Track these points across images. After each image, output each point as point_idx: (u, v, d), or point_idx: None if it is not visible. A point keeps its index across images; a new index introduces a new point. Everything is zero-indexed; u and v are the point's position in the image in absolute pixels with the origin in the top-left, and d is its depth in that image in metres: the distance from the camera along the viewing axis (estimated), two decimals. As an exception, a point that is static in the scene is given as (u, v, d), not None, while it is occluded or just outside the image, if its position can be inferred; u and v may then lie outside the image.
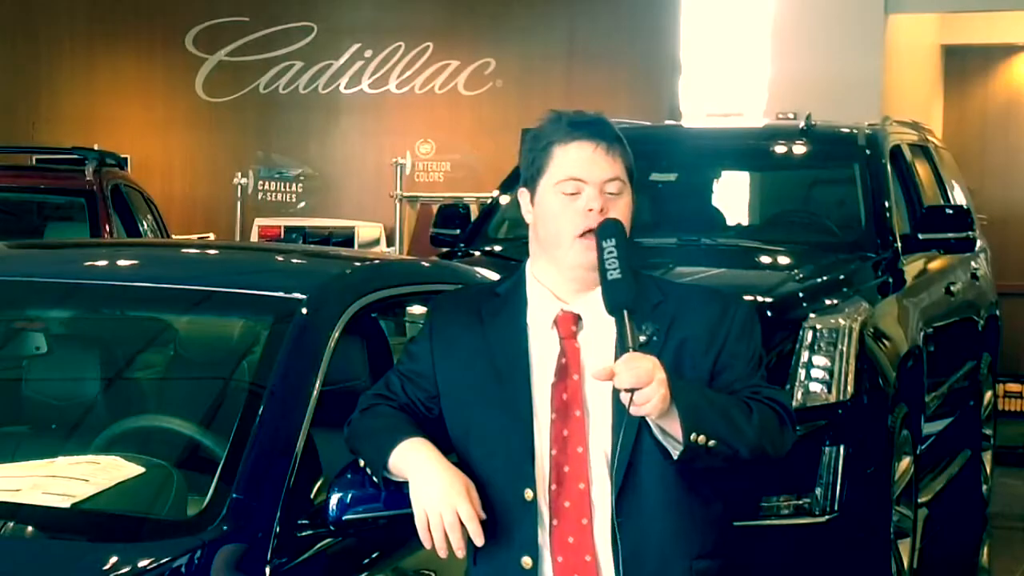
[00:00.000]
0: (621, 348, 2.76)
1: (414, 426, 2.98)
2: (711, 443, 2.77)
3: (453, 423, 3.01)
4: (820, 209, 7.60)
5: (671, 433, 2.78)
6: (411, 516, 3.20)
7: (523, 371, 2.93)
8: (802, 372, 5.89)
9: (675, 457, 2.80)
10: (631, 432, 2.83)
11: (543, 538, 2.91)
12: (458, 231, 7.59)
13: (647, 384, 2.70)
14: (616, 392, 2.77)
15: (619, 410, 2.82)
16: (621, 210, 2.91)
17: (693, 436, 2.75)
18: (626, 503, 2.84)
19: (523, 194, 3.02)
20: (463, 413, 2.99)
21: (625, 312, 2.78)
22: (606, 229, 2.85)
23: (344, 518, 3.16)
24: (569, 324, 2.92)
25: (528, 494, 2.89)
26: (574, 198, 2.91)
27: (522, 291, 3.00)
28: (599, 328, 2.88)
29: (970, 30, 12.88)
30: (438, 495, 2.83)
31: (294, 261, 4.56)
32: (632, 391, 2.70)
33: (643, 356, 2.73)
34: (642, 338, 2.78)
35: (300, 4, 14.55)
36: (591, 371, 2.82)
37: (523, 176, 3.03)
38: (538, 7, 13.97)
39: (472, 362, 2.97)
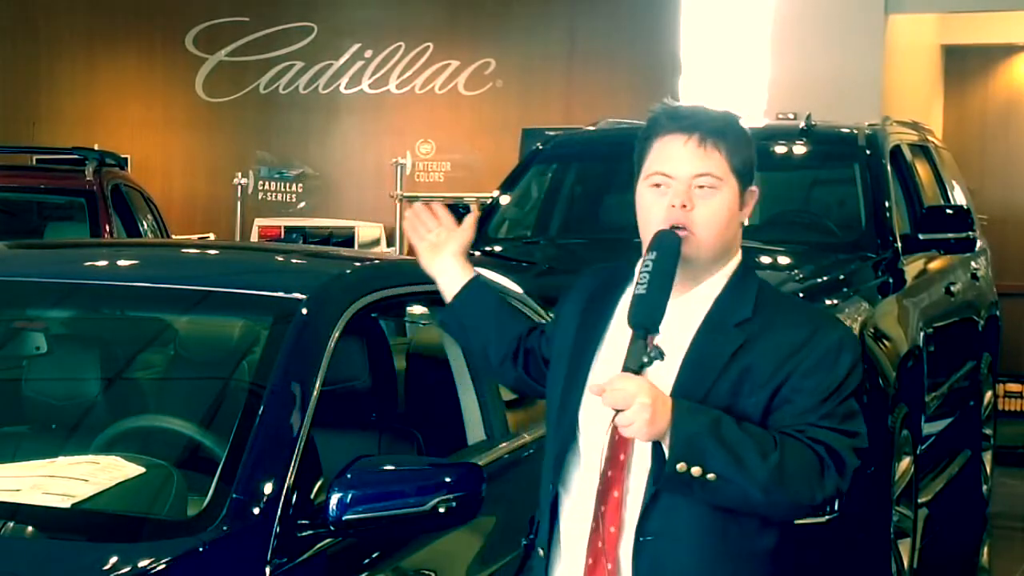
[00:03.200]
0: (624, 364, 2.68)
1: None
2: (709, 476, 2.65)
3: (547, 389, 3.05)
4: (820, 209, 7.60)
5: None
6: (411, 516, 3.21)
7: (585, 367, 2.88)
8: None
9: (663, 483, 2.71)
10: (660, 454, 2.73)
11: (567, 534, 2.88)
12: (458, 231, 7.57)
13: (626, 407, 2.63)
14: None
15: None
16: (712, 208, 2.80)
17: (682, 466, 2.64)
18: (653, 522, 2.76)
19: (637, 189, 2.93)
20: (549, 388, 3.01)
21: (642, 332, 2.68)
22: (656, 242, 2.76)
23: (344, 518, 3.16)
24: None
25: (551, 488, 2.89)
26: (662, 192, 2.82)
27: (626, 285, 2.90)
28: (674, 335, 2.77)
29: (970, 30, 12.88)
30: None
31: (294, 261, 4.56)
32: (617, 412, 2.65)
33: (631, 378, 2.64)
34: (645, 359, 2.66)
35: (300, 4, 14.56)
36: (588, 384, 2.79)
37: (634, 172, 2.95)
38: (538, 7, 13.98)
39: (564, 346, 2.95)
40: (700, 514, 2.75)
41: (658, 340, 2.72)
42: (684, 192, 2.80)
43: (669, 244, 2.75)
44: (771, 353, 2.76)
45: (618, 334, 2.85)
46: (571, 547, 2.88)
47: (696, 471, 2.65)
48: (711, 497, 2.70)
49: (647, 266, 2.73)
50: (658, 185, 2.83)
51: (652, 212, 2.83)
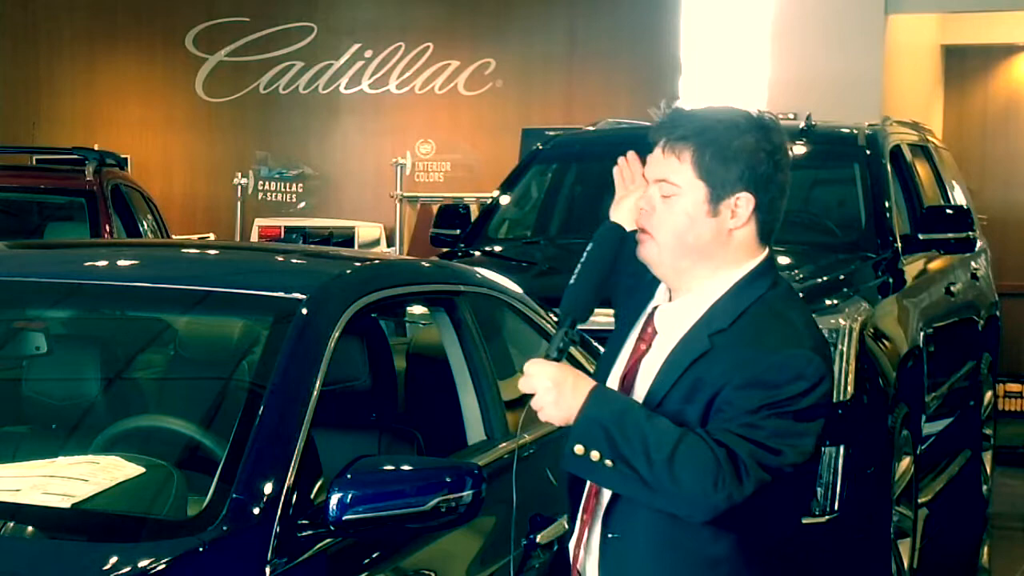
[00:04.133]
0: (544, 351, 2.80)
1: None
2: (607, 462, 2.67)
3: None
4: (820, 209, 7.60)
5: None
6: (411, 516, 3.22)
7: (612, 358, 2.96)
8: (802, 372, 5.88)
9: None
10: None
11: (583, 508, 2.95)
12: (458, 231, 7.59)
13: (534, 392, 2.74)
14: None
15: None
16: (668, 215, 2.80)
17: (577, 448, 2.69)
18: (616, 521, 2.84)
19: None
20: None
21: (566, 319, 2.81)
22: (595, 234, 2.89)
23: (344, 518, 3.17)
24: (648, 326, 2.91)
25: (572, 479, 2.98)
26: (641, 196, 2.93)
27: (654, 288, 2.98)
28: (669, 337, 2.81)
29: (970, 30, 12.89)
30: None
31: (294, 261, 4.56)
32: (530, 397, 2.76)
33: (540, 364, 2.74)
34: (560, 344, 2.78)
35: (300, 4, 14.56)
36: (644, 379, 2.84)
37: None
38: (538, 7, 13.98)
39: (614, 329, 3.02)
40: (653, 517, 2.77)
41: (657, 339, 2.82)
42: (648, 196, 2.85)
43: (606, 235, 2.88)
44: (721, 366, 2.73)
45: (637, 330, 2.93)
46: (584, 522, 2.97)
47: (595, 455, 2.69)
48: (611, 485, 2.77)
49: (582, 257, 2.86)
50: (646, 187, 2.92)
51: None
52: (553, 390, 2.72)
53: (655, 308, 2.90)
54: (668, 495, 2.67)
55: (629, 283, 3.04)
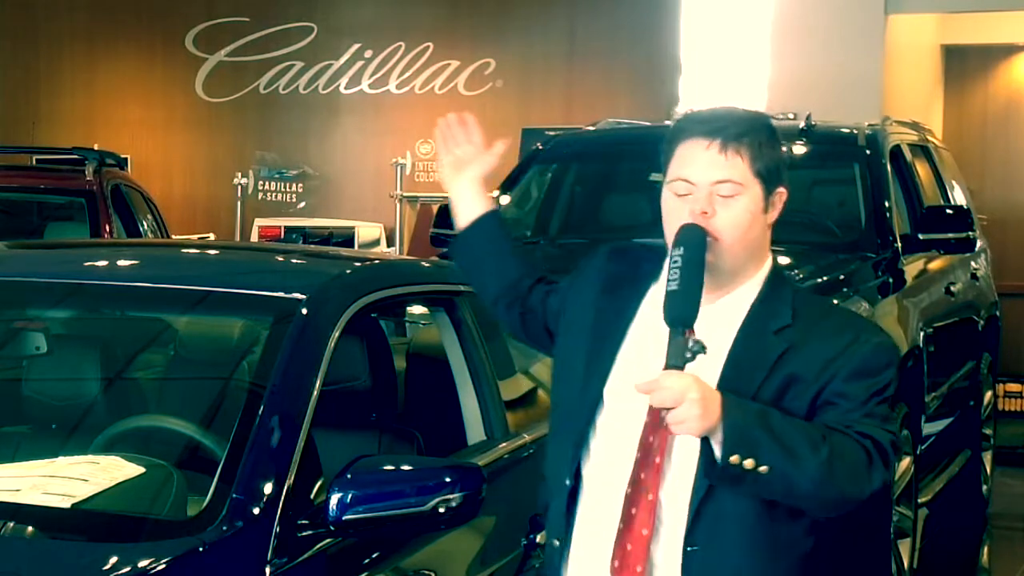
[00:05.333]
0: (666, 362, 2.64)
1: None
2: (761, 469, 2.62)
3: (552, 368, 3.05)
4: (820, 209, 7.60)
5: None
6: (411, 516, 3.21)
7: (607, 362, 2.87)
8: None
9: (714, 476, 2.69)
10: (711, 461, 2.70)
11: (583, 529, 2.88)
12: (458, 231, 7.58)
13: (677, 405, 2.60)
14: None
15: None
16: (734, 213, 2.78)
17: (735, 459, 2.62)
18: (701, 531, 2.75)
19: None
20: (557, 368, 3.01)
21: (680, 327, 2.65)
22: (680, 237, 2.74)
23: (344, 518, 3.17)
24: None
25: (566, 482, 2.87)
26: (684, 199, 2.80)
27: (652, 280, 2.91)
28: (709, 342, 2.71)
29: (970, 30, 12.88)
30: None
31: (294, 261, 4.56)
32: (668, 411, 2.62)
33: (677, 375, 2.61)
34: (688, 355, 2.63)
35: (300, 4, 14.55)
36: (636, 383, 2.71)
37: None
38: (538, 7, 13.98)
39: (580, 328, 2.94)
40: (749, 520, 2.75)
41: (697, 335, 2.71)
42: (705, 199, 2.79)
43: (695, 237, 2.74)
44: (814, 359, 2.77)
45: (645, 330, 2.85)
46: (587, 543, 2.87)
47: (749, 463, 2.63)
48: (761, 491, 2.69)
49: (675, 262, 2.71)
50: (683, 193, 2.82)
51: (674, 218, 2.82)
52: (701, 402, 2.59)
53: None
54: (827, 491, 2.69)
55: (575, 300, 2.98)
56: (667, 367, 2.64)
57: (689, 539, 2.76)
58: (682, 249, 2.72)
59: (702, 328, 2.70)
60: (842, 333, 2.81)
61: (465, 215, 3.18)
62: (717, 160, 2.79)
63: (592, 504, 2.88)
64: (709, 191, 2.79)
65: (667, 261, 2.75)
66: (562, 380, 2.99)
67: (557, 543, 2.91)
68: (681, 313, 2.67)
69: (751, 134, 2.82)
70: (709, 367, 2.73)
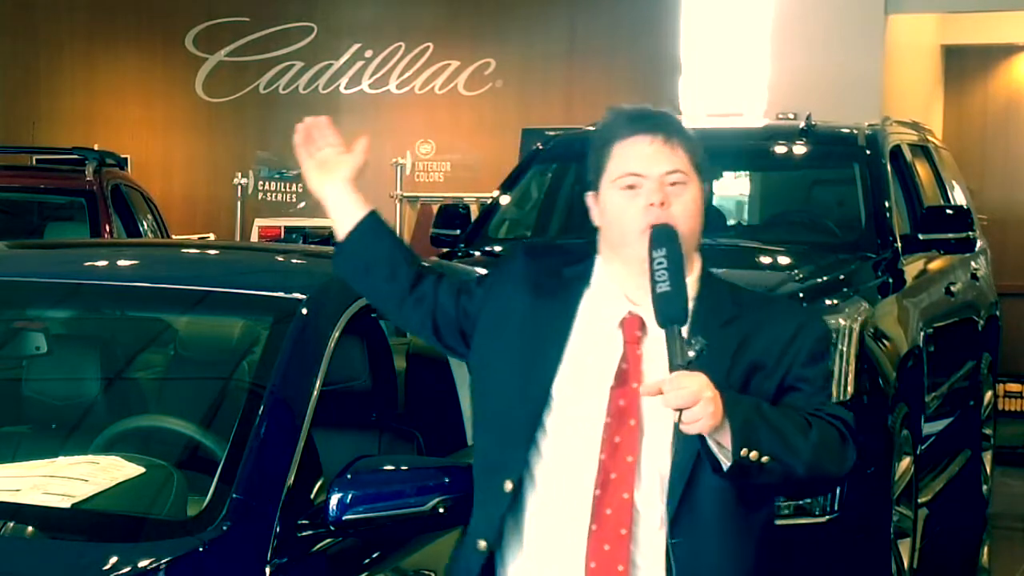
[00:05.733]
0: (670, 364, 2.66)
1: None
2: (764, 459, 2.68)
3: (473, 370, 3.01)
4: (820, 209, 7.60)
5: (725, 446, 2.71)
6: (411, 516, 3.21)
7: (551, 365, 2.86)
8: (802, 372, 5.87)
9: (724, 470, 2.72)
10: (691, 451, 2.75)
11: (517, 528, 2.88)
12: (458, 231, 7.59)
13: (694, 404, 2.62)
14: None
15: (680, 427, 2.73)
16: (685, 203, 2.85)
17: (744, 452, 2.66)
18: (681, 524, 2.78)
19: (589, 197, 2.95)
20: (484, 370, 2.97)
21: (675, 328, 2.68)
22: (658, 238, 2.76)
23: (344, 518, 3.17)
24: (634, 329, 2.85)
25: (508, 485, 2.85)
26: (635, 193, 2.84)
27: (584, 283, 2.93)
28: (658, 339, 2.76)
29: (970, 30, 12.88)
30: None
31: (294, 261, 4.56)
32: (680, 411, 2.63)
33: (690, 375, 2.63)
34: (691, 353, 2.65)
35: (300, 4, 14.56)
36: (642, 386, 2.75)
37: (588, 179, 2.95)
38: (538, 7, 13.98)
39: (510, 331, 2.92)
40: (724, 506, 2.81)
41: (647, 341, 2.80)
42: (658, 190, 2.83)
43: (671, 236, 2.77)
44: (772, 346, 2.84)
45: (588, 334, 2.87)
46: (542, 547, 2.87)
47: (753, 455, 2.68)
48: (762, 480, 2.74)
49: (660, 263, 2.72)
50: (631, 187, 2.85)
51: (627, 213, 2.84)
52: (714, 400, 2.62)
53: (630, 315, 2.85)
54: (815, 472, 2.78)
55: (493, 300, 2.97)
56: (673, 368, 2.65)
57: (672, 532, 2.78)
58: (664, 250, 2.74)
59: (654, 323, 2.75)
60: (789, 319, 2.90)
61: (345, 221, 3.09)
62: (663, 152, 2.85)
63: (545, 507, 2.87)
64: (661, 183, 2.84)
65: (647, 264, 2.75)
66: (491, 383, 2.95)
67: (483, 545, 2.88)
68: (676, 313, 2.69)
69: (683, 130, 2.91)
70: (662, 363, 2.73)
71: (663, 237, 2.76)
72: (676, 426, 2.71)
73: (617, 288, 2.89)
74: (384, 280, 3.05)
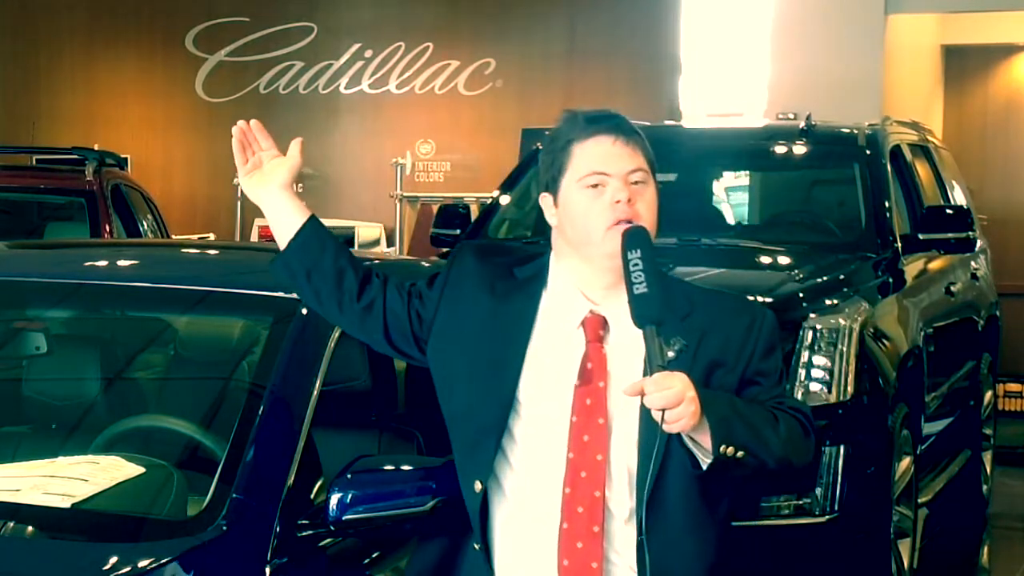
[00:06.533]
0: (649, 364, 2.69)
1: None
2: (739, 454, 2.75)
3: (434, 373, 3.02)
4: (820, 209, 7.60)
5: (701, 443, 2.75)
6: (411, 516, 3.21)
7: (515, 366, 2.89)
8: (802, 372, 5.88)
9: (703, 467, 2.77)
10: (660, 448, 2.78)
11: (508, 533, 2.91)
12: (458, 231, 7.59)
13: (678, 404, 2.66)
14: (644, 406, 2.73)
15: (647, 424, 2.77)
16: (648, 200, 2.89)
17: (723, 448, 2.73)
18: (651, 519, 2.81)
19: (545, 197, 2.98)
20: (445, 372, 2.98)
21: (653, 328, 2.70)
22: (632, 239, 2.78)
23: (344, 518, 3.16)
24: (597, 328, 2.88)
25: (477, 486, 2.89)
26: (599, 191, 2.87)
27: (541, 284, 2.96)
28: (627, 333, 2.81)
29: (970, 30, 12.88)
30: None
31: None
32: (663, 411, 2.67)
33: (672, 375, 2.67)
34: (671, 353, 2.69)
35: (300, 4, 14.55)
36: (621, 387, 2.77)
37: (543, 179, 2.98)
38: (538, 7, 13.98)
39: (471, 333, 2.94)
40: (689, 500, 2.84)
41: (610, 339, 2.83)
42: (623, 188, 2.86)
43: (644, 237, 2.80)
44: (730, 341, 2.89)
45: (548, 335, 2.89)
46: (514, 547, 2.90)
47: (730, 451, 2.74)
48: (736, 473, 2.81)
49: (636, 264, 2.75)
50: (595, 185, 2.87)
51: (592, 211, 2.87)
52: (696, 399, 2.69)
53: (591, 315, 2.88)
54: (784, 464, 2.85)
55: (448, 303, 2.98)
56: (654, 368, 2.68)
57: (642, 527, 2.81)
58: (639, 251, 2.77)
59: (616, 321, 2.83)
60: (742, 313, 2.95)
61: (286, 229, 3.03)
62: (625, 152, 2.90)
63: (516, 507, 2.90)
64: (624, 180, 2.87)
65: (617, 261, 2.78)
66: (455, 386, 2.97)
67: (477, 547, 2.94)
68: (654, 313, 2.72)
69: (638, 132, 2.95)
70: (633, 362, 2.79)
71: (636, 238, 2.79)
72: (644, 424, 2.77)
73: (574, 288, 2.92)
74: (329, 287, 3.03)
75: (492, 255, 3.03)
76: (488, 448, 2.90)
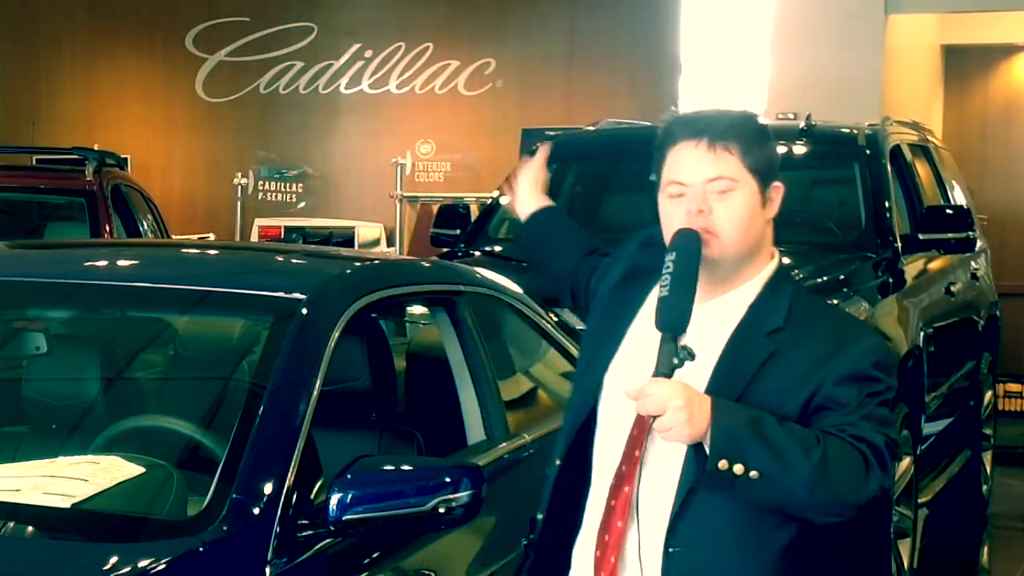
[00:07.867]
0: (655, 368, 2.66)
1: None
2: (752, 474, 2.62)
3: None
4: (820, 209, 7.59)
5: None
6: (411, 516, 3.22)
7: (608, 352, 2.91)
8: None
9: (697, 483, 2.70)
10: (688, 458, 2.72)
11: (591, 511, 2.89)
12: (458, 231, 7.59)
13: (661, 412, 2.62)
14: None
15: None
16: (731, 208, 2.79)
17: (724, 464, 2.62)
18: (683, 533, 2.75)
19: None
20: (581, 345, 3.13)
21: (669, 334, 2.67)
22: (675, 242, 2.75)
23: (344, 518, 3.17)
24: None
25: (557, 462, 2.95)
26: (679, 201, 2.81)
27: (653, 281, 2.88)
28: (705, 342, 2.74)
29: (970, 30, 12.88)
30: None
31: (294, 261, 4.56)
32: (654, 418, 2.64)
33: (661, 383, 2.63)
34: (675, 361, 2.65)
35: (300, 4, 14.56)
36: (627, 390, 2.72)
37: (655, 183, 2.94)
38: (538, 7, 13.98)
39: (595, 312, 3.06)
40: (736, 520, 2.74)
41: (686, 342, 2.70)
42: (699, 197, 2.80)
43: (688, 243, 2.74)
44: (799, 364, 2.75)
45: (645, 325, 2.84)
46: (589, 528, 2.88)
47: (738, 469, 2.62)
48: (754, 496, 2.68)
49: (667, 267, 2.72)
50: (677, 195, 2.83)
51: (672, 221, 2.82)
52: (685, 409, 2.60)
53: None
54: (822, 496, 2.66)
55: (604, 284, 3.07)
56: (656, 374, 2.65)
57: (670, 540, 2.75)
58: (674, 255, 2.73)
59: (699, 328, 2.72)
60: (830, 338, 2.79)
61: (526, 211, 3.52)
62: (707, 158, 2.81)
63: (596, 490, 2.89)
64: (703, 190, 2.80)
65: (702, 275, 2.75)
66: (578, 362, 3.10)
67: (540, 517, 2.99)
68: (670, 320, 2.69)
69: (738, 130, 2.83)
70: (700, 370, 2.73)
71: (679, 243, 2.75)
72: None
73: None
74: (544, 255, 3.41)
75: (655, 243, 2.99)
76: (568, 430, 2.97)
